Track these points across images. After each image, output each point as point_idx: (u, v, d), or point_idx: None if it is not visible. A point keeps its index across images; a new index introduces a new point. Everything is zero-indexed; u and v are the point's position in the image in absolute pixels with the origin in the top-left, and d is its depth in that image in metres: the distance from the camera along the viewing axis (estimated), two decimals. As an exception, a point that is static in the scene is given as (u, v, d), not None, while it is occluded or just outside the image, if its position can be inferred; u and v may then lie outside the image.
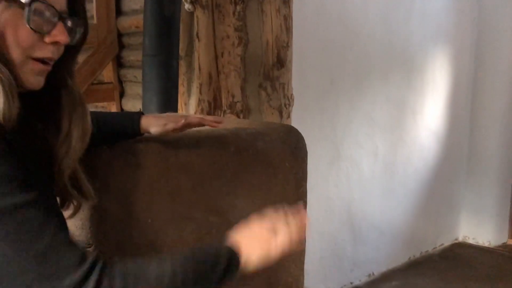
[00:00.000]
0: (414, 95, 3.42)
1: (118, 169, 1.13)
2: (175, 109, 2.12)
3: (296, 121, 2.66)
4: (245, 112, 2.34)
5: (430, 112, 3.58)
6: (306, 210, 1.15)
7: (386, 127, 3.26)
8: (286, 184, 1.53)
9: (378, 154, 3.23)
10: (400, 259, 3.49)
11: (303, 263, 1.60)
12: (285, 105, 2.44)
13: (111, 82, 2.62)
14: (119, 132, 1.11)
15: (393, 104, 3.28)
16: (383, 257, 3.35)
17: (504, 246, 3.84)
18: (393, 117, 3.30)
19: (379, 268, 3.32)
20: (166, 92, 2.07)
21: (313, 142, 2.88)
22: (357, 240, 3.15)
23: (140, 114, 1.13)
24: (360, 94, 3.05)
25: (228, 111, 2.31)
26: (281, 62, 2.37)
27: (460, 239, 4.04)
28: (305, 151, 1.60)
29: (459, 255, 3.75)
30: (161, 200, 1.24)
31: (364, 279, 3.21)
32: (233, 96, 2.30)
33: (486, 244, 3.90)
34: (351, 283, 3.13)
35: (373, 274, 3.28)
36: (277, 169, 1.50)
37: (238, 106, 2.32)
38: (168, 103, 2.08)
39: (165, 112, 1.54)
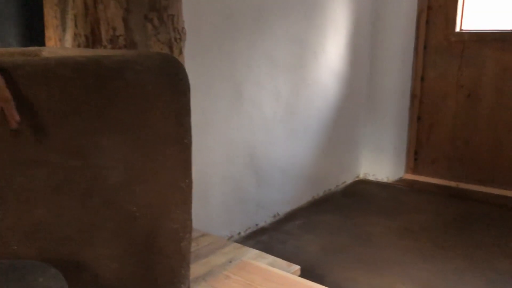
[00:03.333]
0: (315, 34, 3.32)
1: None
2: (41, 43, 1.81)
3: (190, 59, 2.44)
4: (130, 47, 2.06)
5: (332, 51, 3.51)
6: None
7: (288, 67, 3.14)
8: (164, 121, 1.33)
9: (280, 94, 3.12)
10: (304, 199, 3.50)
11: (189, 206, 1.44)
12: (175, 39, 2.20)
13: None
14: None
15: (294, 43, 3.15)
16: (287, 198, 3.33)
17: (401, 180, 4.00)
18: (295, 56, 3.19)
19: (283, 208, 3.30)
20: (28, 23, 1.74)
21: (212, 83, 2.69)
22: (261, 182, 3.07)
23: None
24: (260, 31, 2.87)
25: (109, 46, 2.02)
26: (168, -10, 2.10)
27: (361, 176, 4.15)
28: (187, 84, 1.39)
29: (360, 191, 3.85)
30: (-4, 142, 0.99)
31: (269, 220, 3.18)
32: (114, 29, 2.01)
33: (385, 180, 4.04)
34: (256, 224, 3.08)
35: (278, 214, 3.25)
36: (152, 103, 1.29)
37: (121, 40, 2.03)
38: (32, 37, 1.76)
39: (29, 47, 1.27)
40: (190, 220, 1.47)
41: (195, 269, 1.92)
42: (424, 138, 3.91)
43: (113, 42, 2.04)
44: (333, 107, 3.64)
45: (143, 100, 1.27)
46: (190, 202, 1.46)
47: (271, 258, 2.01)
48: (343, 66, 3.66)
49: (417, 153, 3.95)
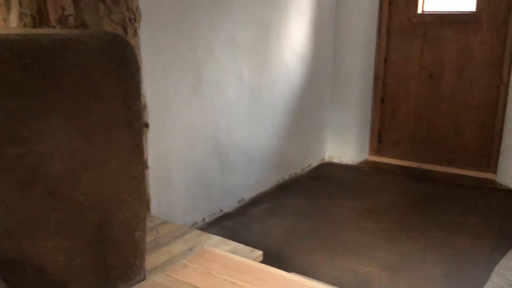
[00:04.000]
0: (278, 16, 3.25)
1: None
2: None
3: (147, 41, 2.34)
4: (80, 28, 1.95)
5: (295, 33, 3.46)
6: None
7: (250, 49, 3.07)
8: (111, 104, 1.25)
9: (243, 78, 3.05)
10: (269, 183, 3.47)
11: (142, 194, 1.37)
12: (129, 19, 2.09)
13: None
14: None
15: (256, 24, 3.08)
16: (252, 183, 3.29)
17: (365, 162, 4.03)
18: (257, 38, 3.12)
19: (249, 193, 3.26)
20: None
21: (170, 66, 2.59)
22: (225, 167, 3.02)
23: None
24: (220, 12, 2.79)
25: (58, 26, 1.91)
26: (120, -33, 1.99)
27: (326, 159, 4.15)
28: (136, 65, 1.32)
29: (325, 174, 3.86)
30: None
31: (234, 205, 3.13)
32: (63, 9, 1.89)
33: (349, 162, 4.06)
34: (221, 210, 3.03)
35: (243, 199, 3.21)
36: (97, 85, 1.21)
37: (71, 20, 1.92)
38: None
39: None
40: (144, 208, 1.40)
41: (155, 258, 1.86)
42: (387, 120, 3.94)
43: (62, 22, 1.92)
44: (298, 90, 3.60)
45: (87, 82, 1.18)
46: (144, 190, 1.39)
47: (233, 244, 1.97)
48: (306, 49, 3.62)
49: (381, 135, 3.98)
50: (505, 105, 3.41)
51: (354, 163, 4.02)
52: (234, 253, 1.91)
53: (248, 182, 3.23)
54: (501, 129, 3.46)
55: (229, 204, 3.09)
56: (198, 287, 1.34)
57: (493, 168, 3.56)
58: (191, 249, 1.92)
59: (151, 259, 1.87)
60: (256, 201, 3.25)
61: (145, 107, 2.29)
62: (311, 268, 2.38)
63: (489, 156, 3.58)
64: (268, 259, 2.46)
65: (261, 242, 2.66)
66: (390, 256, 2.51)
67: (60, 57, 1.12)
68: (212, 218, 2.95)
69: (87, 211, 1.23)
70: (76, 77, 1.15)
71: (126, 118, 1.29)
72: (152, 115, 2.44)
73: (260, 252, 1.91)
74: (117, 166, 1.29)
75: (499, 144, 3.48)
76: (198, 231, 2.09)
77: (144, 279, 1.42)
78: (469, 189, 3.47)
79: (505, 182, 3.45)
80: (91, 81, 1.19)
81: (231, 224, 2.90)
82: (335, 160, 4.11)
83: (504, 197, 3.31)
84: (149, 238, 2.04)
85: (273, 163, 3.47)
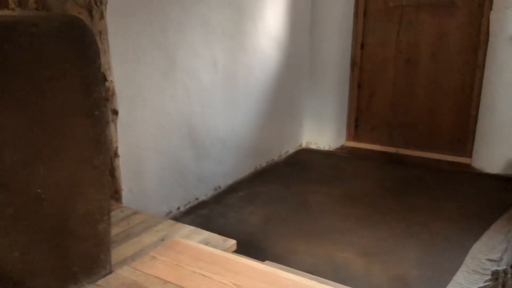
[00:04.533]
0: (253, -1, 3.18)
1: None
2: None
3: (115, 24, 2.24)
4: (42, 11, 1.86)
5: (271, 18, 3.39)
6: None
7: (225, 33, 3.00)
8: (69, 91, 1.18)
9: (218, 63, 2.98)
10: (246, 170, 3.43)
11: (105, 185, 1.31)
12: (95, 2, 2.00)
13: None
14: None
15: (230, 8, 3.00)
16: (229, 170, 3.24)
17: (342, 148, 4.01)
18: (232, 22, 3.04)
19: (225, 181, 3.22)
20: None
21: (141, 50, 2.50)
22: (200, 155, 2.96)
23: None
24: (193, -5, 2.70)
25: (17, 9, 1.81)
26: None
27: (304, 145, 4.13)
28: (96, 49, 1.24)
29: (302, 160, 3.83)
30: None
31: (210, 193, 3.08)
32: (22, -10, 1.80)
33: (327, 148, 4.04)
34: (196, 198, 2.98)
35: (219, 187, 3.16)
36: (53, 71, 1.14)
37: (31, 3, 1.82)
38: None
39: None
40: (108, 200, 1.34)
41: (125, 250, 1.80)
42: (364, 105, 3.92)
43: (22, 5, 1.82)
44: (274, 75, 3.55)
45: (41, 67, 1.11)
46: (107, 181, 1.33)
47: (206, 234, 1.92)
48: (283, 33, 3.55)
49: (358, 120, 3.96)
50: (480, 89, 3.42)
51: (331, 149, 4.01)
52: (207, 243, 1.87)
53: (224, 170, 3.19)
54: (477, 114, 3.47)
55: (204, 192, 3.04)
56: (165, 280, 1.30)
57: (469, 153, 3.58)
58: (162, 240, 1.87)
59: (121, 251, 1.82)
60: (232, 188, 3.21)
61: (113, 93, 2.21)
62: (287, 256, 2.36)
63: (465, 141, 3.60)
64: (244, 247, 2.43)
65: (237, 230, 2.63)
66: (366, 241, 2.51)
67: (9, 40, 1.04)
68: (187, 207, 2.90)
69: (45, 204, 1.17)
70: (28, 62, 1.08)
71: (86, 105, 1.22)
72: (122, 102, 2.36)
73: (233, 242, 1.87)
74: (77, 157, 1.23)
75: (475, 129, 3.50)
76: (171, 221, 2.04)
77: (110, 272, 1.37)
78: (445, 173, 3.49)
79: (480, 166, 3.48)
80: (45, 67, 1.12)
81: (207, 212, 2.86)
82: (313, 146, 4.08)
83: (479, 181, 3.34)
84: (119, 229, 1.99)
85: (249, 150, 3.42)
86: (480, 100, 3.42)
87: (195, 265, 1.37)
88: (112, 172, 2.26)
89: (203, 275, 1.32)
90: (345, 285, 2.06)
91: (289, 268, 1.98)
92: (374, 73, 3.82)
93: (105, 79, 2.13)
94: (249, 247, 2.43)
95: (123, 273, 1.34)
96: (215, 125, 3.04)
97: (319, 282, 1.71)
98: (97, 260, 1.32)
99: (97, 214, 1.30)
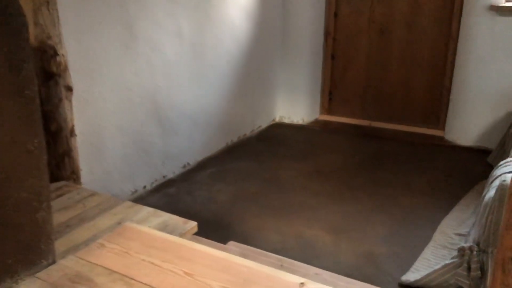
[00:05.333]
0: (219, -33, 3.02)
1: None
2: None
3: (65, -6, 2.09)
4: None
5: (239, -14, 3.24)
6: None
7: (190, 3, 2.84)
8: (-9, 68, 1.06)
9: (183, 35, 2.84)
10: (217, 146, 3.33)
11: (43, 171, 1.20)
12: (38, -31, 1.84)
13: None
14: None
15: (195, -24, 2.84)
16: (198, 146, 3.14)
17: (316, 121, 3.94)
18: (197, -9, 2.89)
19: (194, 157, 3.12)
20: None
21: (97, 22, 2.33)
22: (167, 131, 2.84)
23: None
24: (153, -38, 2.54)
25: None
26: None
27: (277, 119, 4.04)
28: (22, 20, 1.11)
29: (275, 135, 3.75)
30: None
31: (178, 171, 2.99)
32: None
33: (300, 122, 3.96)
34: (164, 176, 2.88)
35: (188, 164, 3.07)
36: (-31, 46, 1.01)
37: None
38: None
39: None
40: (47, 187, 1.23)
41: (79, 235, 1.71)
42: (338, 78, 3.83)
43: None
44: (245, 47, 3.41)
45: (-47, 41, 0.98)
46: (45, 166, 1.22)
47: (166, 216, 1.84)
48: (253, 3, 3.40)
49: (332, 93, 3.88)
50: (454, 61, 3.35)
51: (305, 123, 3.93)
52: (166, 225, 1.79)
53: (193, 146, 3.08)
54: (450, 85, 3.42)
55: (172, 170, 2.94)
56: (111, 269, 1.21)
57: (442, 125, 3.55)
58: (119, 223, 1.78)
59: (74, 236, 1.72)
60: (201, 165, 3.12)
61: (66, 68, 2.06)
62: (255, 234, 2.30)
63: (438, 113, 3.56)
64: (211, 226, 2.36)
65: (204, 208, 2.55)
66: (336, 218, 2.46)
67: None
68: (154, 185, 2.80)
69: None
70: None
71: (13, 84, 1.10)
72: (78, 77, 2.21)
73: (194, 223, 1.79)
74: (7, 141, 1.11)
75: (448, 101, 3.45)
76: (129, 203, 1.94)
77: (53, 263, 1.28)
78: (418, 146, 3.45)
79: (453, 138, 3.45)
80: (-41, 41, 0.99)
81: (174, 191, 2.77)
82: (286, 120, 4.00)
83: (451, 154, 3.31)
84: (74, 212, 1.89)
85: (220, 125, 3.32)
86: (454, 71, 3.36)
87: (146, 253, 1.29)
88: (68, 152, 2.14)
89: (152, 263, 1.24)
90: (311, 264, 2.01)
91: (252, 248, 1.92)
92: (348, 44, 3.71)
93: (55, 53, 1.99)
94: (216, 226, 2.36)
95: (67, 263, 1.25)
96: (182, 100, 2.91)
97: (281, 262, 1.66)
98: (36, 251, 1.22)
99: (34, 201, 1.19)
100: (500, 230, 1.01)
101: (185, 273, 1.20)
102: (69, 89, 2.09)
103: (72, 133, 2.15)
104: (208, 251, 1.30)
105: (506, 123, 3.12)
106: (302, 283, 1.16)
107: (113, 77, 2.42)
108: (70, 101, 2.12)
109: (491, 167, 3.00)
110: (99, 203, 1.94)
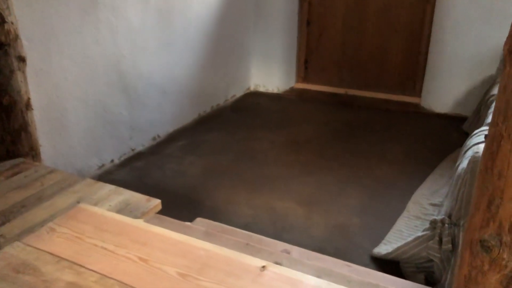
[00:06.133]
0: None
1: None
2: None
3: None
4: None
5: None
6: None
7: (154, -35, 2.67)
8: None
9: (149, 0, 2.67)
10: (189, 117, 3.22)
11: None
12: None
13: None
14: None
15: None
16: (168, 118, 3.02)
17: (292, 90, 3.83)
18: (162, -48, 2.70)
19: (164, 129, 3.00)
20: None
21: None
22: (134, 102, 2.71)
23: None
24: None
25: None
26: None
27: (252, 88, 3.92)
28: None
29: (250, 105, 3.64)
30: None
31: (147, 144, 2.87)
32: None
33: (276, 91, 3.85)
34: (132, 149, 2.77)
35: (158, 136, 2.95)
36: None
37: None
38: None
39: None
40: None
41: (35, 215, 1.61)
42: (314, 44, 3.71)
43: None
44: (217, 13, 3.25)
45: None
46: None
47: (128, 193, 1.74)
48: (223, -35, 3.23)
49: (308, 61, 3.76)
50: (431, 26, 3.26)
51: (280, 92, 3.82)
52: (127, 204, 1.70)
53: (163, 118, 2.96)
54: (427, 51, 3.33)
55: (141, 143, 2.83)
56: (60, 256, 1.12)
57: (418, 92, 3.48)
58: (78, 202, 1.68)
59: (30, 217, 1.62)
60: (172, 137, 3.01)
61: (16, 37, 1.90)
62: (226, 208, 2.22)
63: (414, 80, 3.49)
64: (181, 201, 2.28)
65: (175, 183, 2.46)
66: (309, 189, 2.40)
67: None
68: (122, 159, 2.69)
69: None
70: None
71: None
72: (32, 46, 2.05)
73: (157, 201, 1.70)
74: None
75: (425, 67, 3.38)
76: (90, 180, 1.83)
77: (-2, 250, 1.18)
78: (394, 114, 3.39)
79: (429, 106, 3.40)
80: None
81: (143, 164, 2.66)
82: (261, 89, 3.89)
83: (427, 122, 3.26)
84: (31, 191, 1.77)
85: (192, 95, 3.19)
86: (431, 37, 3.27)
87: (99, 237, 1.20)
88: (24, 127, 2.00)
89: (105, 248, 1.15)
90: (282, 238, 1.96)
91: (220, 224, 1.85)
92: (324, 9, 3.57)
93: (3, 20, 1.82)
94: (185, 201, 2.28)
95: (12, 251, 1.15)
96: (149, 69, 2.77)
97: (247, 240, 1.59)
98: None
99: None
100: (470, 210, 0.94)
101: (140, 258, 1.12)
102: (22, 59, 1.93)
103: (28, 106, 2.01)
104: (166, 234, 1.21)
105: (482, 90, 3.07)
106: (263, 267, 1.09)
107: (72, 46, 2.27)
108: (23, 72, 1.96)
109: (466, 134, 2.97)
110: (58, 181, 1.83)
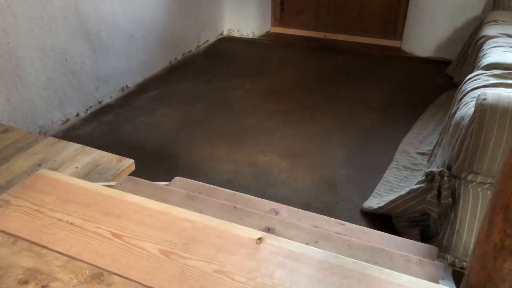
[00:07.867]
0: None
1: None
2: None
3: None
4: None
5: None
6: None
7: None
8: None
9: None
10: (159, 65, 2.95)
11: None
12: None
13: None
14: None
15: None
16: (137, 67, 2.75)
17: (267, 34, 3.58)
18: None
19: (134, 79, 2.74)
20: None
21: None
22: (97, 50, 2.42)
23: None
24: None
25: None
26: None
27: (225, 33, 3.64)
28: None
29: (224, 51, 3.38)
30: None
31: (115, 95, 2.62)
32: None
33: (251, 36, 3.59)
34: (99, 102, 2.51)
35: (126, 87, 2.69)
36: None
37: None
38: None
39: None
40: None
41: (-12, 182, 1.39)
42: (291, -16, 3.43)
43: None
44: (184, -51, 2.91)
45: None
46: None
47: (96, 153, 1.53)
48: None
49: (283, 3, 3.49)
50: (415, -36, 3.03)
51: (255, 37, 3.57)
52: (96, 165, 1.49)
53: (131, 66, 2.69)
54: (409, -8, 3.12)
55: (109, 94, 2.57)
56: (17, 235, 0.93)
57: (399, 35, 3.30)
58: (39, 165, 1.46)
59: (-17, 184, 1.40)
60: (142, 88, 2.75)
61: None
62: (205, 164, 2.04)
63: (395, 22, 3.29)
64: (155, 158, 2.08)
65: (147, 137, 2.25)
66: (292, 141, 2.23)
67: None
68: (88, 112, 2.44)
69: None
70: None
71: None
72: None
73: (130, 161, 1.50)
74: None
75: (406, 10, 3.17)
76: (52, 139, 1.60)
77: None
78: (375, 59, 3.22)
79: (410, 49, 3.23)
80: None
81: (112, 118, 2.42)
82: (235, 34, 3.61)
83: (408, 66, 3.11)
84: (-17, 154, 1.54)
85: (161, 41, 2.91)
86: (414, -25, 3.05)
87: (63, 210, 1.01)
88: (-29, 80, 1.73)
89: (72, 223, 0.96)
90: (267, 194, 1.81)
91: (201, 183, 1.67)
92: None
93: None
94: (160, 158, 2.08)
95: (-43, 230, 0.95)
96: (112, 11, 2.47)
97: (234, 202, 1.43)
98: None
99: None
100: (502, 171, 0.79)
101: (113, 234, 0.94)
102: (-40, 0, 1.62)
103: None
104: (143, 203, 1.03)
105: (466, 32, 2.91)
106: (259, 239, 0.93)
107: (21, -14, 1.95)
108: (-37, 15, 1.66)
109: (450, 78, 2.83)
110: (14, 140, 1.59)
